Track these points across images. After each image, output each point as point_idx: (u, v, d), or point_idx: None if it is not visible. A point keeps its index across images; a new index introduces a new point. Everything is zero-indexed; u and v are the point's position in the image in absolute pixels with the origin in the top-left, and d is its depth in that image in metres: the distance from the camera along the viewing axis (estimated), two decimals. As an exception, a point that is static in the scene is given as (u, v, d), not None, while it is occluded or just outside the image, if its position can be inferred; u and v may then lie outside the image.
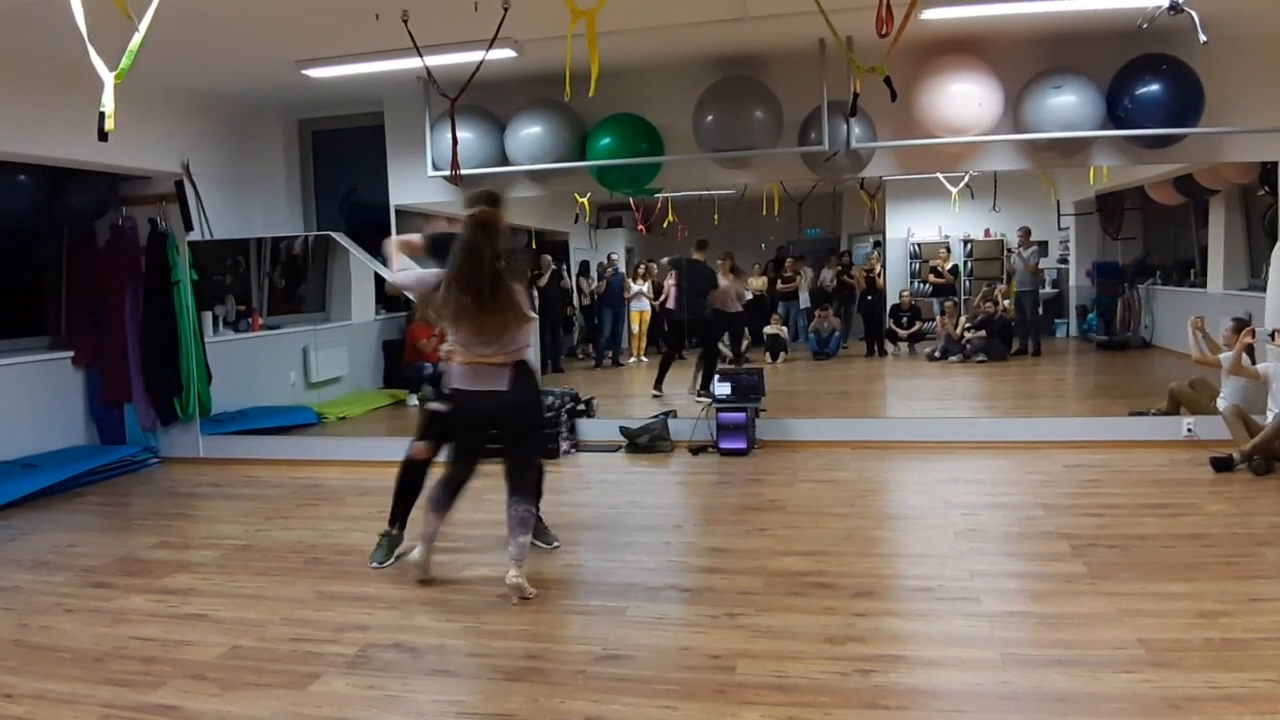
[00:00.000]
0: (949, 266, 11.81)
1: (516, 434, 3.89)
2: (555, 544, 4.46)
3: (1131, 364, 9.96)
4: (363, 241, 7.05)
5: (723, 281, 8.89)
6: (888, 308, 11.60)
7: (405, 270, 4.03)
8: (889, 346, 11.48)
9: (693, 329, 8.83)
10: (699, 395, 8.03)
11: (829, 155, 5.96)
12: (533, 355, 3.88)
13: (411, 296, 3.94)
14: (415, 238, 4.30)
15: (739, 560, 4.21)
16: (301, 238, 8.09)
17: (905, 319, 11.54)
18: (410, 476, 4.36)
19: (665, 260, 10.86)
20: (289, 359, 8.04)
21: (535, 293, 10.08)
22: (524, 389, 3.80)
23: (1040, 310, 10.96)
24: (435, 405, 4.13)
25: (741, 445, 6.40)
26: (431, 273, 3.85)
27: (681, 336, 9.02)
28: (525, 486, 3.89)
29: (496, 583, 4.04)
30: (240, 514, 5.44)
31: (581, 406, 7.12)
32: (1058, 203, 10.71)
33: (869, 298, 11.53)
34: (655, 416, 6.91)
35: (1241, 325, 5.77)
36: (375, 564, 4.30)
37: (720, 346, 9.00)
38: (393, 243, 4.13)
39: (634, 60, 6.07)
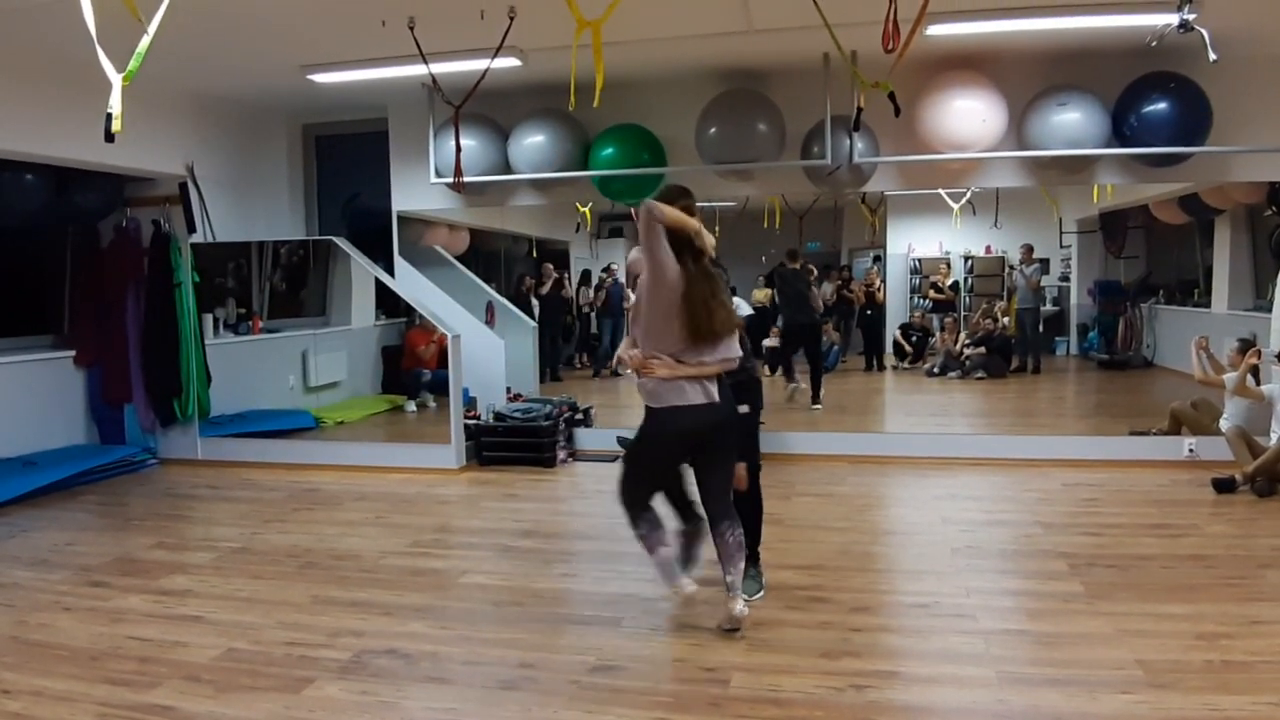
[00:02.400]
0: (949, 282, 11.81)
1: (726, 450, 3.54)
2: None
3: (1132, 383, 9.95)
4: (364, 247, 7.05)
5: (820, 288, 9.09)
6: (887, 323, 11.60)
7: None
8: (890, 360, 11.48)
9: (797, 336, 8.95)
10: (812, 406, 8.46)
11: (831, 169, 5.97)
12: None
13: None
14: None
15: (736, 572, 4.20)
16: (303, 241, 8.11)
17: (915, 338, 11.57)
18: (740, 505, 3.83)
19: (761, 278, 11.07)
20: (288, 363, 8.03)
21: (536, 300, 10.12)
22: (730, 402, 3.49)
23: (1041, 328, 10.94)
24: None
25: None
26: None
27: (797, 342, 9.09)
28: (731, 505, 3.55)
29: (491, 590, 4.05)
30: (237, 516, 5.43)
31: (579, 415, 7.12)
32: (1060, 220, 10.71)
33: (868, 312, 11.53)
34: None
35: (1247, 346, 5.76)
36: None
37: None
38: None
39: (638, 71, 6.09)
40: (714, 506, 3.51)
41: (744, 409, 3.67)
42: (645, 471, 3.57)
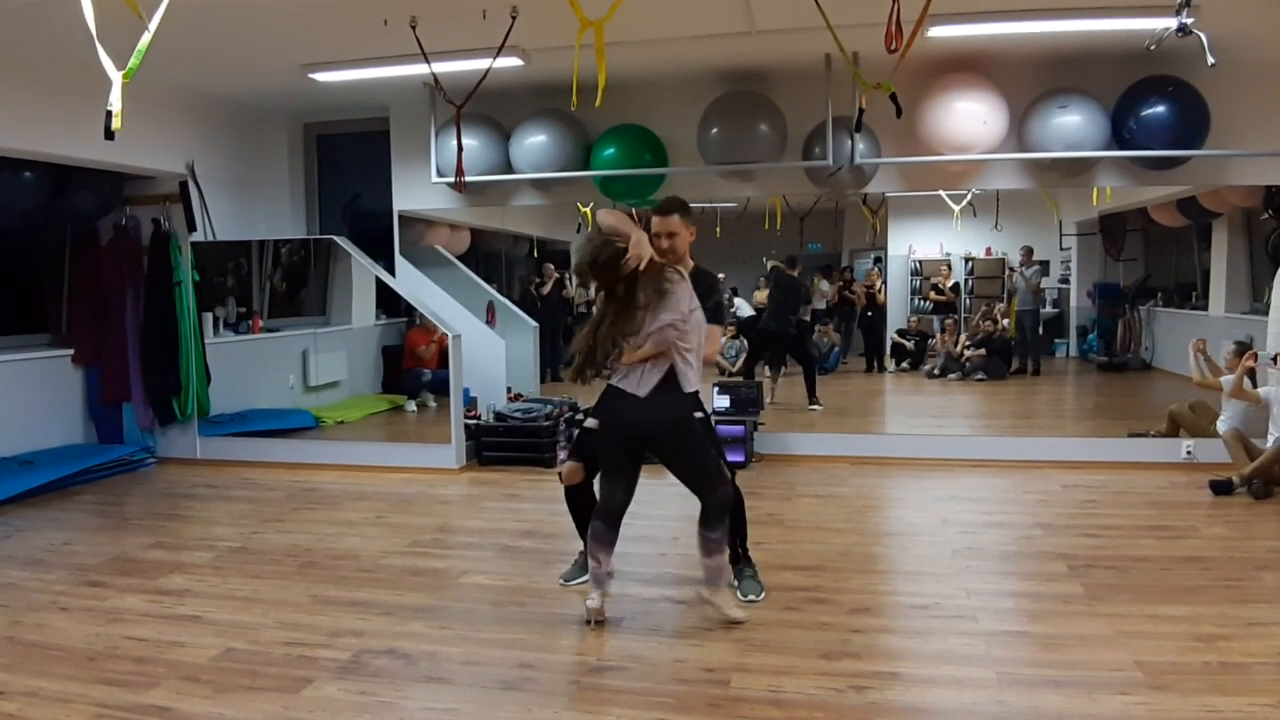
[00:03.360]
0: (950, 284, 11.82)
1: (671, 449, 3.59)
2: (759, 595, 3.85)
3: (1131, 385, 9.96)
4: (365, 246, 7.05)
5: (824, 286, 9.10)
6: (888, 324, 11.61)
7: None
8: (890, 364, 11.49)
9: (781, 342, 9.04)
10: (810, 406, 8.53)
11: (833, 170, 5.97)
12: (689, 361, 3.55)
13: None
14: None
15: (735, 573, 4.20)
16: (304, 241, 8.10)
17: (913, 341, 11.58)
18: (574, 501, 3.97)
19: (763, 279, 11.15)
20: (288, 362, 8.03)
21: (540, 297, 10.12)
22: (668, 405, 3.51)
23: (1040, 330, 10.95)
24: (589, 423, 3.78)
25: (739, 459, 6.38)
26: None
27: (764, 348, 9.21)
28: (709, 508, 3.54)
29: (492, 590, 4.05)
30: (236, 516, 5.43)
31: (580, 416, 7.11)
32: (1060, 223, 10.72)
33: (869, 314, 11.55)
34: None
35: (1244, 349, 5.77)
36: (563, 580, 4.06)
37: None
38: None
39: (640, 72, 6.09)
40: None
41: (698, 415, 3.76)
42: (600, 457, 3.69)
